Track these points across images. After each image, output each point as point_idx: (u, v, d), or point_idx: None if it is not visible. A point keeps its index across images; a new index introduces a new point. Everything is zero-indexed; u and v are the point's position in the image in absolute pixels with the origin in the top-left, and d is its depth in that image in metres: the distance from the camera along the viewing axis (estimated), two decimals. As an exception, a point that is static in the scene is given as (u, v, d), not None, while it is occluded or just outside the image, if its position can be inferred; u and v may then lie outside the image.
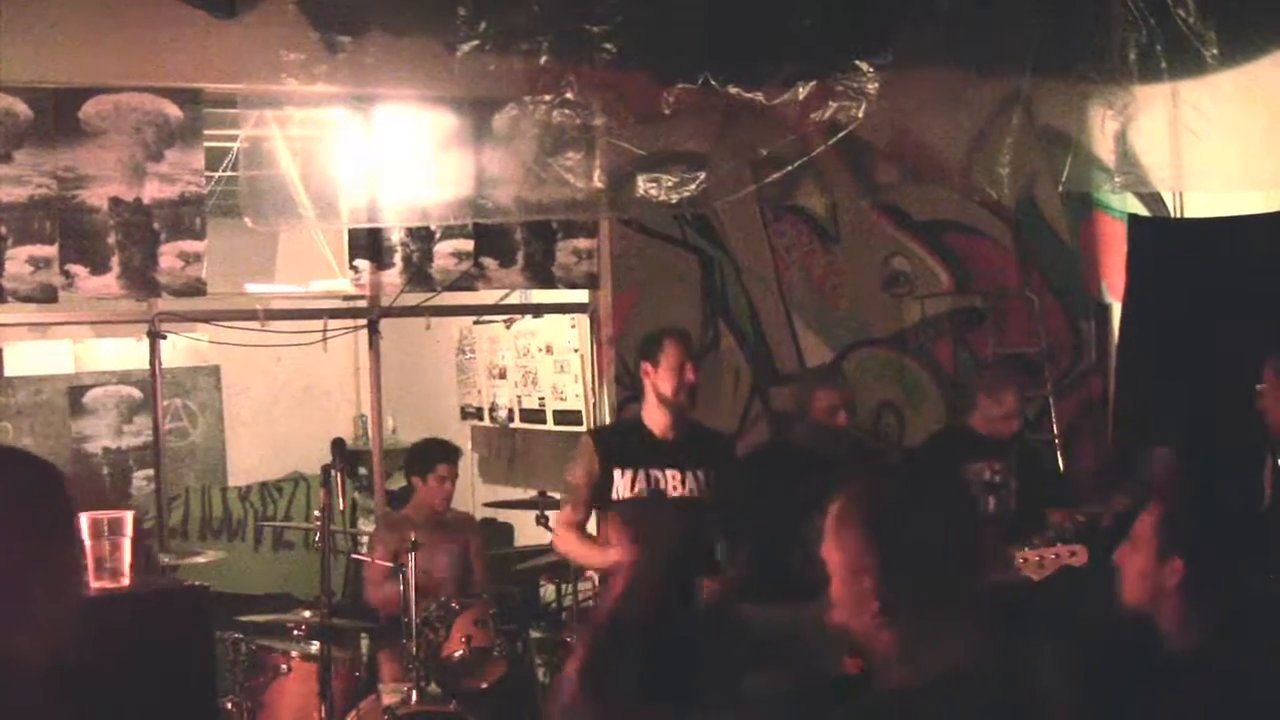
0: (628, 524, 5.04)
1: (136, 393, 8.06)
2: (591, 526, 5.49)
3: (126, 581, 4.36)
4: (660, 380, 5.29)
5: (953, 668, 2.11)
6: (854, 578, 2.17)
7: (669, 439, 5.30)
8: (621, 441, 5.38)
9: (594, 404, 7.36)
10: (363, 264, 6.68)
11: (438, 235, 6.72)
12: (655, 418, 5.32)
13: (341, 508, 5.87)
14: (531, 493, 7.44)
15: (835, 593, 2.22)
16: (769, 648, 5.30)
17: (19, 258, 5.90)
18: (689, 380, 5.27)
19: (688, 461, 5.28)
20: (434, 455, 6.50)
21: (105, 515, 4.47)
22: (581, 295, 7.27)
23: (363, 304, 6.84)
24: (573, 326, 7.75)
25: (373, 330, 6.77)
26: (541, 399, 8.32)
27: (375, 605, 6.18)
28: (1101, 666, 2.55)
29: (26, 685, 1.93)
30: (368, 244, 6.65)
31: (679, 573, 4.90)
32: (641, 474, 5.26)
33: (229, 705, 5.51)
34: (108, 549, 4.37)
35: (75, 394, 8.00)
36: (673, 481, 5.27)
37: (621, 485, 5.25)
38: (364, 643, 6.27)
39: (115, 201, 6.03)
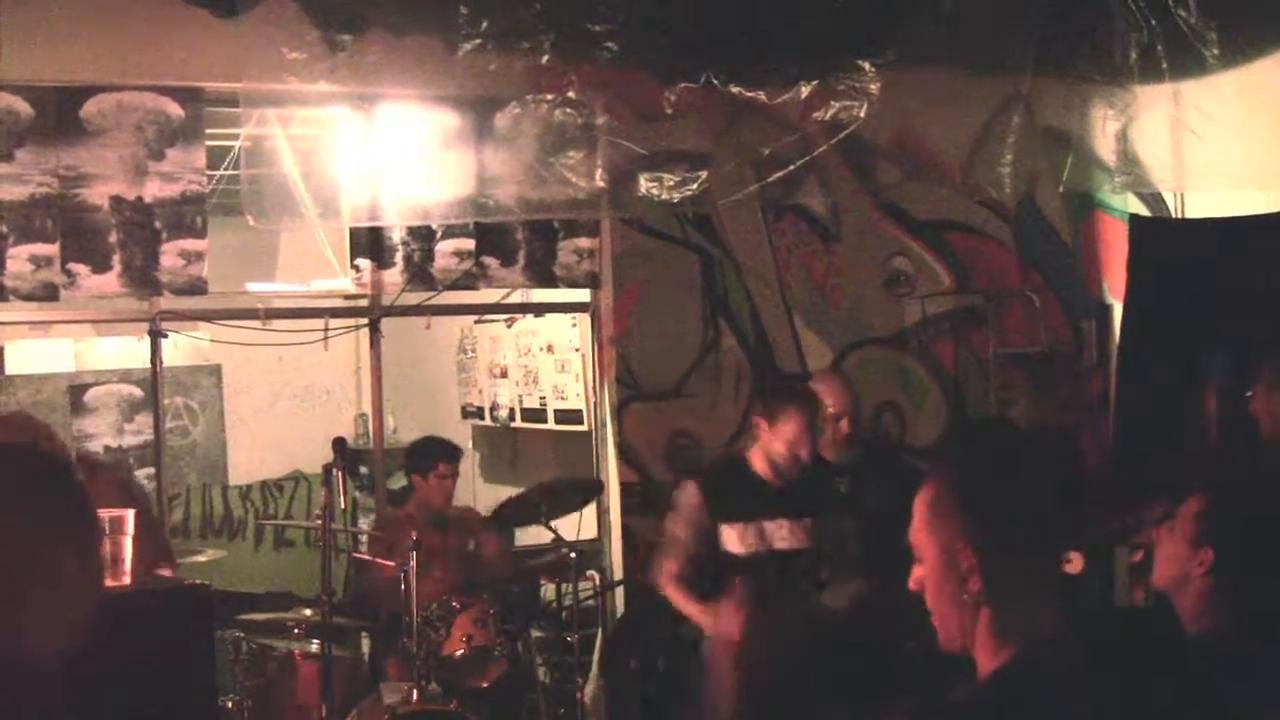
0: (741, 587, 4.95)
1: (137, 391, 8.05)
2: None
3: (128, 580, 4.36)
4: (774, 442, 5.24)
5: (1046, 639, 2.15)
6: (949, 560, 2.18)
7: (778, 485, 5.25)
8: (729, 491, 5.30)
9: (595, 403, 7.36)
10: (364, 263, 6.68)
11: (439, 234, 6.72)
12: (763, 466, 5.30)
13: (343, 507, 5.87)
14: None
15: (926, 577, 2.23)
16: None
17: (20, 256, 5.90)
18: (802, 454, 5.20)
19: (796, 510, 5.23)
20: (434, 454, 6.51)
21: (107, 513, 4.46)
22: (583, 294, 7.27)
23: (364, 303, 6.84)
24: (574, 326, 7.75)
25: (374, 329, 6.77)
26: (543, 398, 8.32)
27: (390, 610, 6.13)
28: (1117, 649, 2.56)
29: (34, 684, 1.93)
30: (369, 243, 6.66)
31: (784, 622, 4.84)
32: (752, 528, 5.20)
33: (229, 704, 5.51)
34: (109, 547, 4.37)
35: (76, 392, 8.00)
36: (781, 533, 5.23)
37: (731, 539, 5.21)
38: (365, 641, 6.27)
39: (116, 200, 6.03)
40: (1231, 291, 6.50)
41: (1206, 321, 6.60)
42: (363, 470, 8.43)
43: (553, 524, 6.59)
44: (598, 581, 7.15)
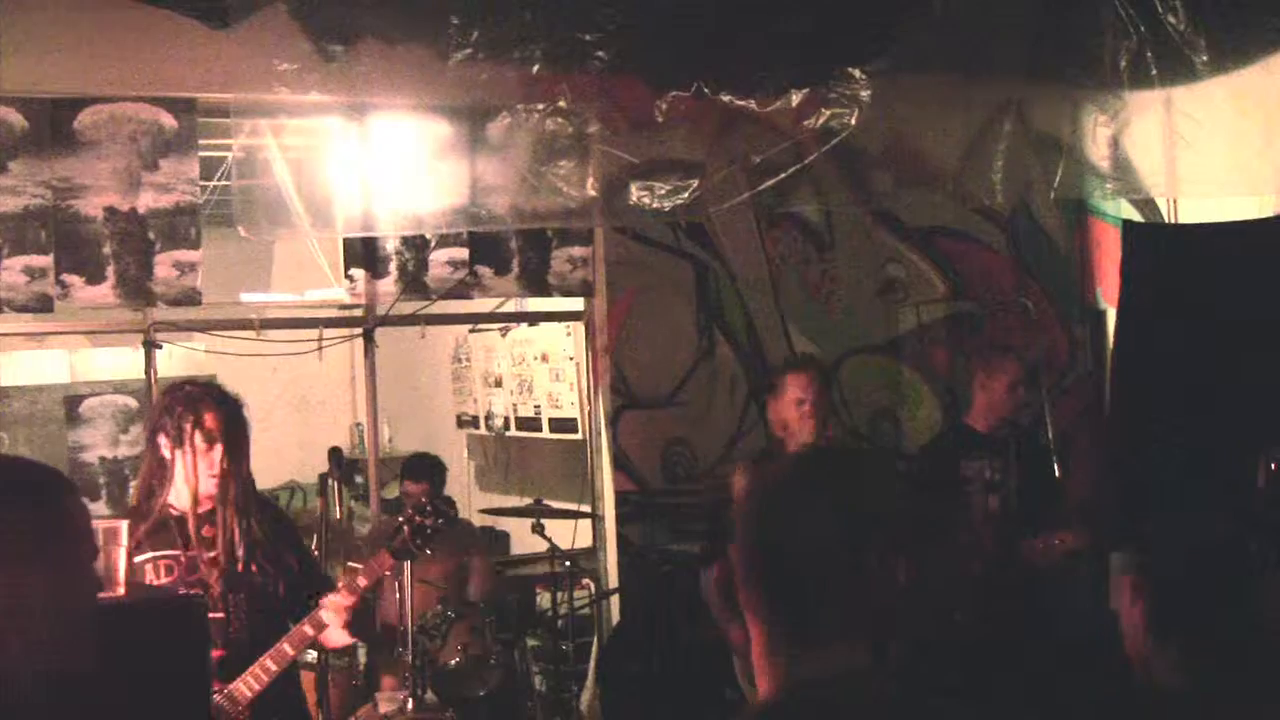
0: None
1: (133, 402, 8.02)
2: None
3: (122, 591, 4.36)
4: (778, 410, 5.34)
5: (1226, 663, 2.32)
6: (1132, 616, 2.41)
7: None
8: None
9: (589, 412, 7.36)
10: (358, 273, 6.69)
11: (433, 244, 6.73)
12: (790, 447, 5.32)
13: (338, 516, 5.87)
14: (527, 500, 7.44)
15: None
16: None
17: (14, 268, 5.91)
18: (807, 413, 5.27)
19: None
20: (421, 473, 6.62)
21: (101, 524, 4.47)
22: (577, 303, 7.28)
23: (358, 313, 6.85)
24: (568, 334, 7.76)
25: (368, 339, 6.78)
26: (537, 407, 8.32)
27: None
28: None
29: (29, 695, 1.93)
30: (363, 253, 6.67)
31: None
32: None
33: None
34: (103, 558, 4.38)
35: (71, 403, 7.97)
36: None
37: None
38: (361, 651, 6.26)
39: (110, 211, 6.04)
40: (1225, 297, 6.51)
41: (1200, 327, 6.60)
42: (358, 480, 8.43)
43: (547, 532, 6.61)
44: (593, 590, 7.16)
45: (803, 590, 1.91)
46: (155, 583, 4.09)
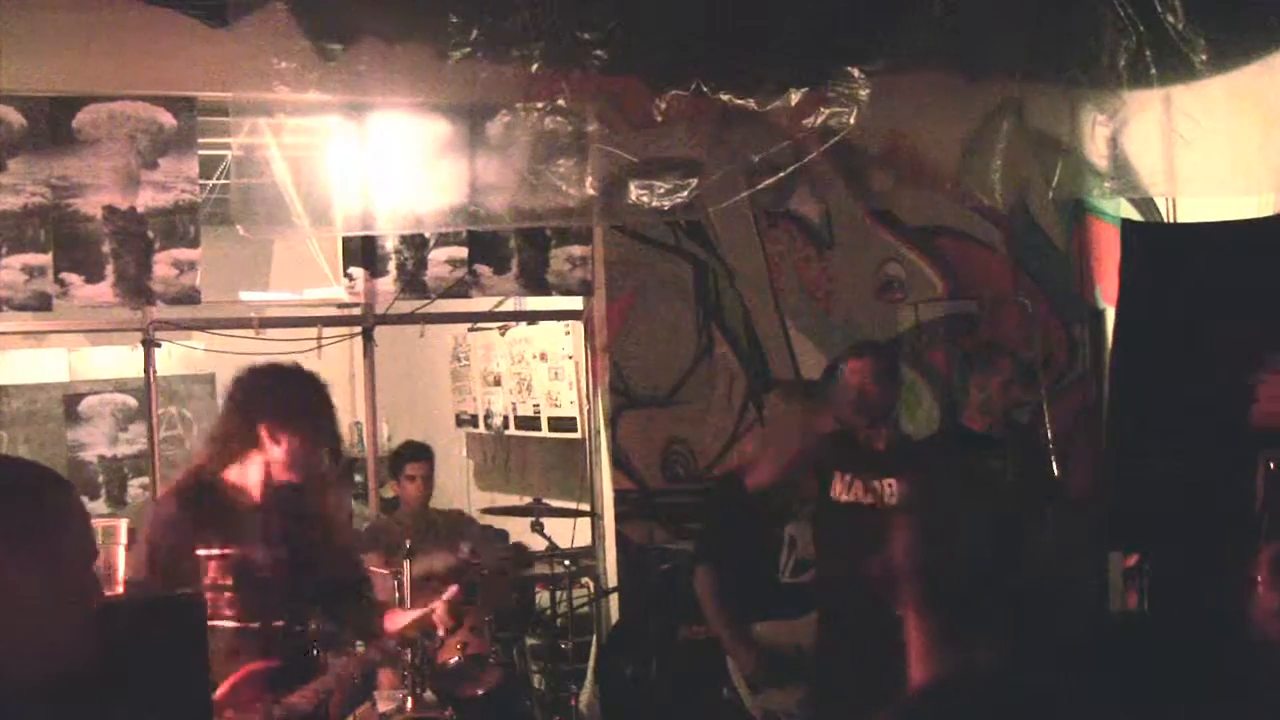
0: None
1: (131, 401, 8.04)
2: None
3: (120, 590, 4.36)
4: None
5: None
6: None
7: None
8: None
9: (589, 411, 7.37)
10: (357, 272, 6.69)
11: (431, 243, 6.73)
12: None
13: (336, 515, 5.87)
14: (527, 499, 7.44)
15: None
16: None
17: (13, 266, 5.91)
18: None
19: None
20: (404, 457, 6.65)
21: (100, 524, 4.47)
22: (576, 302, 7.28)
23: (357, 312, 6.85)
24: (567, 333, 7.76)
25: (367, 338, 6.78)
26: (536, 406, 8.32)
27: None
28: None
29: (28, 696, 1.93)
30: (362, 252, 6.67)
31: None
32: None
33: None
34: (103, 558, 4.38)
35: (70, 402, 7.98)
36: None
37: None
38: (359, 649, 6.25)
39: (109, 210, 6.04)
40: (1224, 296, 6.51)
41: (1200, 326, 6.60)
42: (357, 478, 8.42)
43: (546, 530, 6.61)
44: (592, 589, 7.16)
45: (963, 592, 2.21)
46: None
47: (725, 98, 6.17)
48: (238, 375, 4.22)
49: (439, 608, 4.30)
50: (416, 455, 6.70)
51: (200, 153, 6.26)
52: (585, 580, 7.13)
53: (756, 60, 6.17)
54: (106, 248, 6.04)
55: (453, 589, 4.34)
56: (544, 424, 8.27)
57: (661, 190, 6.39)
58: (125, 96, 6.06)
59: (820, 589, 5.20)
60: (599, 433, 7.17)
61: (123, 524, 4.51)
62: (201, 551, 3.96)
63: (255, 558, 4.04)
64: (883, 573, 2.25)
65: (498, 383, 8.85)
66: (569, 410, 7.88)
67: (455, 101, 6.47)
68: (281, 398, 4.06)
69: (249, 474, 4.09)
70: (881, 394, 5.16)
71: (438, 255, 6.76)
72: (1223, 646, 2.70)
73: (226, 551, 4.02)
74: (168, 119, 6.13)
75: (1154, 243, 7.31)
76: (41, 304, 6.00)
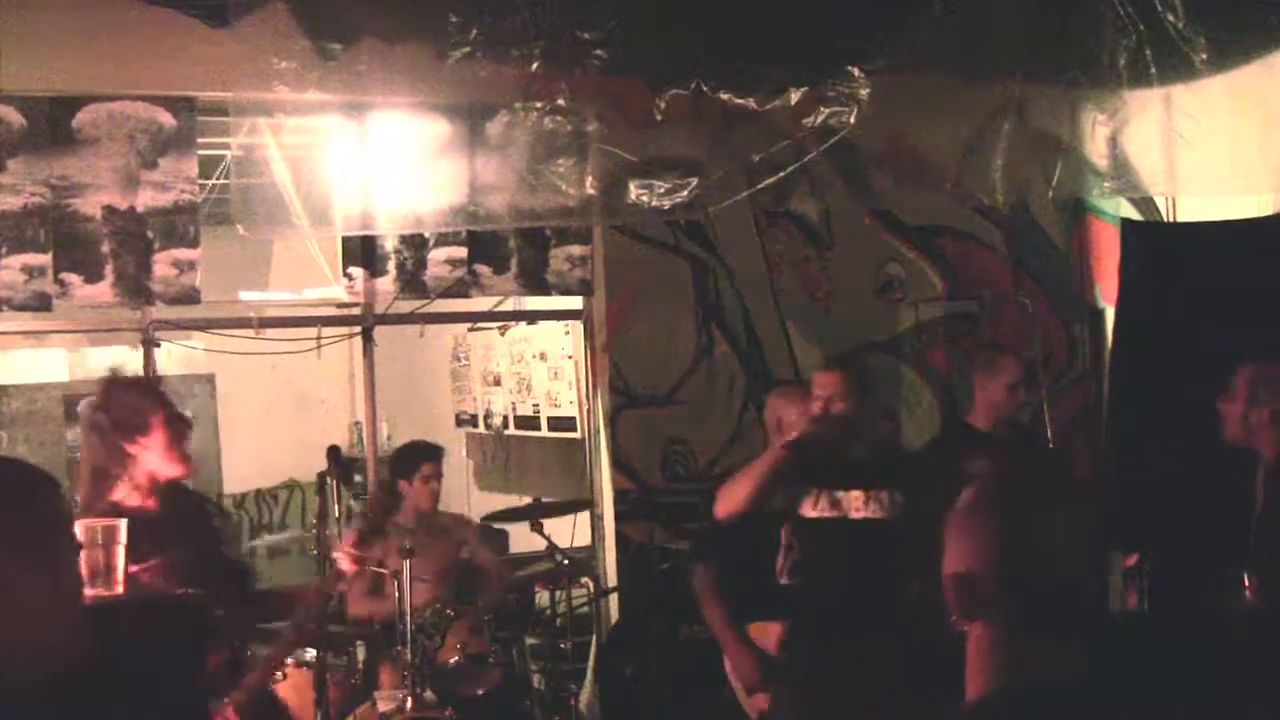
0: None
1: (131, 401, 8.03)
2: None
3: (120, 589, 4.36)
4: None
5: None
6: None
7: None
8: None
9: (588, 411, 7.37)
10: (356, 271, 6.69)
11: (431, 242, 6.73)
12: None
13: (337, 515, 5.86)
14: (526, 500, 7.44)
15: None
16: None
17: (13, 266, 5.91)
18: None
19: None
20: (417, 456, 6.49)
21: (99, 523, 4.46)
22: (575, 302, 7.28)
23: (357, 311, 6.85)
24: (567, 333, 7.76)
25: (367, 338, 6.78)
26: (536, 406, 8.32)
27: (361, 619, 6.12)
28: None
29: (21, 696, 1.93)
30: (361, 251, 6.67)
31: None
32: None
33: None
34: (101, 557, 4.37)
35: (70, 402, 8.00)
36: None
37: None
38: (360, 649, 6.26)
39: (109, 210, 6.04)
40: (1224, 295, 6.51)
41: (1199, 326, 6.60)
42: (357, 478, 8.42)
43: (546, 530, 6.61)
44: (592, 588, 7.16)
45: (1040, 598, 2.28)
46: None
47: (725, 97, 6.17)
48: None
49: (340, 557, 4.29)
50: (430, 455, 6.49)
51: (200, 153, 6.26)
52: (585, 580, 7.13)
53: (756, 60, 6.16)
54: (106, 248, 6.04)
55: (350, 534, 4.31)
56: (544, 424, 8.27)
57: (661, 190, 6.39)
58: (125, 96, 6.06)
59: (798, 600, 5.11)
60: (599, 432, 7.17)
61: (122, 524, 4.51)
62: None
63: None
64: (927, 590, 2.28)
65: (497, 382, 8.85)
66: (569, 410, 7.88)
67: (455, 101, 6.47)
68: None
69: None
70: (849, 410, 5.11)
71: (437, 255, 6.76)
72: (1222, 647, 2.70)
73: None
74: (167, 119, 6.13)
75: (1154, 242, 7.33)
76: (41, 304, 6.00)
